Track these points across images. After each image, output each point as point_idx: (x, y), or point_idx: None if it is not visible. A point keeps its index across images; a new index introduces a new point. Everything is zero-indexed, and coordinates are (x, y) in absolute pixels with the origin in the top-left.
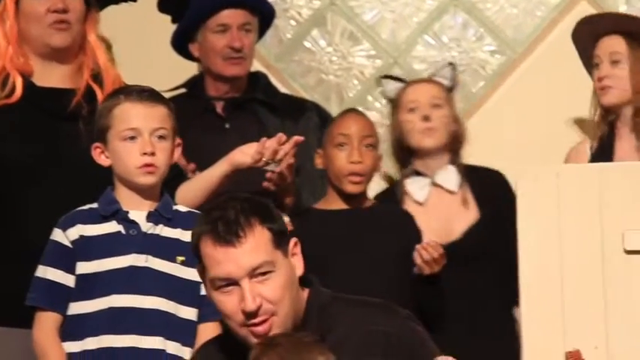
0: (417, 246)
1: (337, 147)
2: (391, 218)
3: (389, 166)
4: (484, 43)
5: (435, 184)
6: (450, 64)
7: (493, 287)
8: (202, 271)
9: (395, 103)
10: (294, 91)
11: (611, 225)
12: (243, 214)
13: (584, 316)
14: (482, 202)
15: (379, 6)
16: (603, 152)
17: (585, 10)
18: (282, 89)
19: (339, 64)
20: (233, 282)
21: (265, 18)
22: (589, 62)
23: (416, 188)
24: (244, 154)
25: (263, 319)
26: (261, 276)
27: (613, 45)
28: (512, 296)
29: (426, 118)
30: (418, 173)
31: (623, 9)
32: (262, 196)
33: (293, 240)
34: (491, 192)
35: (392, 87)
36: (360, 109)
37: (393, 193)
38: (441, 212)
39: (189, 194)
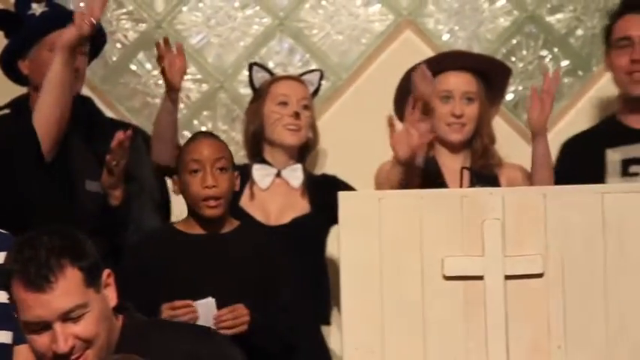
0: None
1: (191, 173)
2: (251, 244)
3: None
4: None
5: (279, 176)
6: (319, 70)
7: (308, 278)
8: (14, 309)
9: (261, 93)
10: (119, 114)
11: (431, 251)
12: (54, 255)
13: (403, 341)
14: (315, 200)
15: (206, 30)
16: (431, 175)
17: (409, 38)
18: (108, 112)
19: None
20: (45, 324)
21: (96, 46)
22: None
23: (261, 175)
24: (68, 30)
25: (76, 357)
26: (74, 317)
27: (467, 83)
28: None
29: (297, 115)
30: (264, 161)
31: (445, 38)
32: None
33: (106, 271)
34: (327, 195)
35: (260, 75)
36: (186, 132)
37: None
38: (278, 199)
39: (44, 106)
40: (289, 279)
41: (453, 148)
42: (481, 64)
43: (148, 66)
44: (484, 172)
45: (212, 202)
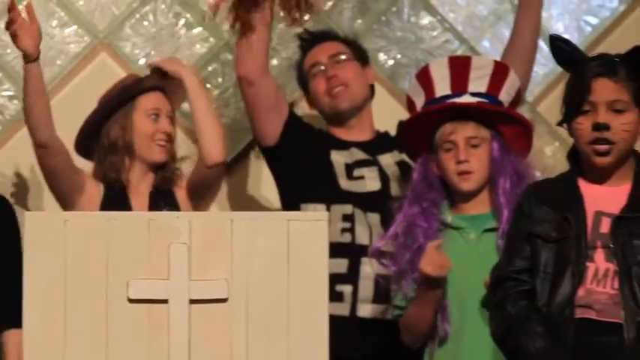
0: None
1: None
2: None
3: None
4: (3, 88)
5: None
6: None
7: None
8: None
9: None
10: None
11: (116, 274)
12: None
13: None
14: None
15: None
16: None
17: (105, 61)
18: None
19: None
20: None
21: None
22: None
23: None
24: None
25: None
26: None
27: (163, 102)
28: None
29: None
30: None
31: (142, 62)
32: None
33: None
34: None
35: None
36: None
37: None
38: None
39: None
40: None
41: (150, 169)
42: (163, 82)
43: None
44: (164, 187)
45: None
